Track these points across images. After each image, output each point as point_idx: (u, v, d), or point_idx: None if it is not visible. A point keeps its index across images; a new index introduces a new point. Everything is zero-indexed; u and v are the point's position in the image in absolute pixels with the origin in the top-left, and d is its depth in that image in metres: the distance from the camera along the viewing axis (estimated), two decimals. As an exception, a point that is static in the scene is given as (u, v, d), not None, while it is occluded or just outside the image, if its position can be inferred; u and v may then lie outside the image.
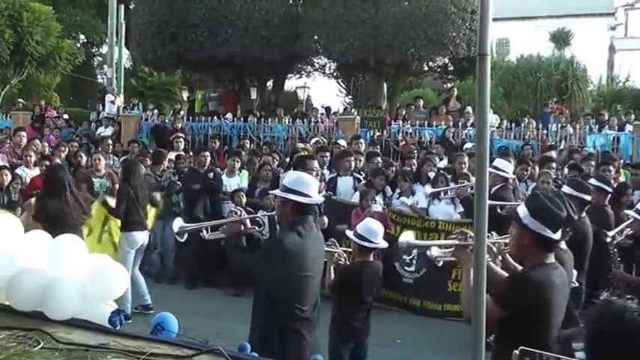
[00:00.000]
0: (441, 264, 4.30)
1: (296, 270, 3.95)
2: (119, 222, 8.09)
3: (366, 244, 5.23)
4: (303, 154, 10.01)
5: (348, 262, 5.57)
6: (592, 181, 7.07)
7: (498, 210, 6.62)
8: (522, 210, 3.46)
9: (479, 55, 2.88)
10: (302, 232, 3.96)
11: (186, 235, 4.89)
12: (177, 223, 4.87)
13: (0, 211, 6.77)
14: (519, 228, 3.45)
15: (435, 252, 4.13)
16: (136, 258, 8.09)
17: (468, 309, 3.22)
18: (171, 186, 10.07)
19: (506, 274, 3.77)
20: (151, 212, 8.70)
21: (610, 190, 7.20)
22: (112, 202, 8.10)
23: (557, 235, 3.43)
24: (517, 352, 1.98)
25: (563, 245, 4.18)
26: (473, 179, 7.68)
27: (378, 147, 13.04)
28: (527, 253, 3.52)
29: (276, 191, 4.23)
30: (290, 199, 4.02)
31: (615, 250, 6.43)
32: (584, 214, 6.18)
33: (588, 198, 6.21)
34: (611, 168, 9.18)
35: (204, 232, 4.77)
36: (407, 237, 4.26)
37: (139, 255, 8.16)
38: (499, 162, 7.91)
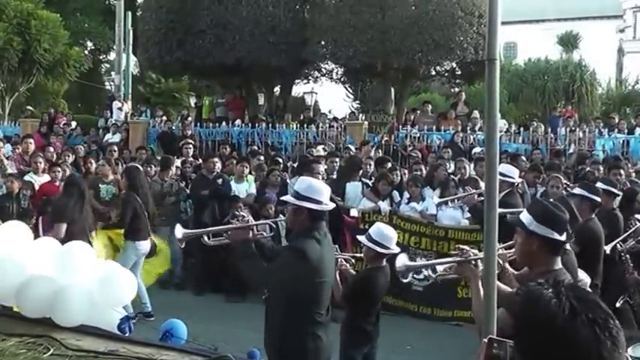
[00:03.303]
0: (440, 283, 4.25)
1: (316, 276, 3.94)
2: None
3: (382, 250, 5.14)
4: (309, 158, 9.95)
5: (352, 269, 5.51)
6: (599, 184, 7.01)
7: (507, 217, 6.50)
8: (526, 217, 3.42)
9: (488, 60, 2.86)
10: (319, 238, 3.95)
11: (184, 244, 4.81)
12: (179, 230, 4.75)
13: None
14: (526, 235, 3.41)
15: (432, 272, 4.09)
16: (136, 264, 8.09)
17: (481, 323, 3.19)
18: (179, 192, 10.06)
19: (507, 287, 3.71)
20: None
21: (617, 192, 7.15)
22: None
23: (563, 237, 3.41)
24: (486, 340, 1.98)
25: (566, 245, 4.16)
26: (482, 184, 7.63)
27: (381, 151, 13.01)
28: (535, 259, 3.47)
29: (289, 198, 4.17)
30: (304, 206, 4.00)
31: (627, 256, 6.38)
32: (593, 215, 6.15)
33: (599, 199, 6.21)
34: (622, 172, 9.10)
35: (206, 237, 4.65)
36: (402, 261, 4.19)
37: (139, 261, 8.16)
38: (504, 167, 7.72)
